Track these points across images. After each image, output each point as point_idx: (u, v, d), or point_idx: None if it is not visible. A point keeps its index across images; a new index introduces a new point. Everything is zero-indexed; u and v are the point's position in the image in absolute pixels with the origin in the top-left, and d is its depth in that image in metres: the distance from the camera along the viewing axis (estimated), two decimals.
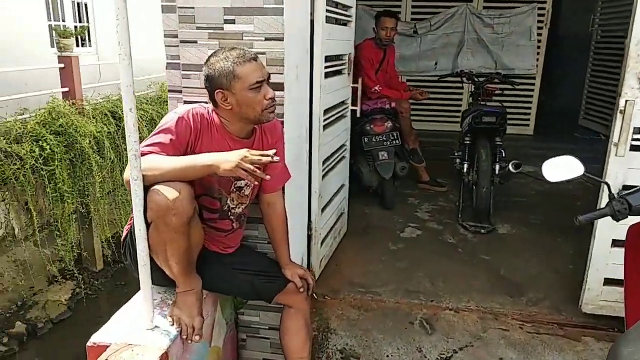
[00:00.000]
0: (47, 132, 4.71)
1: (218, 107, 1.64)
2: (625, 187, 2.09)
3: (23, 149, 4.32)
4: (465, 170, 3.59)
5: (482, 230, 3.36)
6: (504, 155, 3.50)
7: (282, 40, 1.84)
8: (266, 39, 1.85)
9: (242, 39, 1.86)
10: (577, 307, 2.38)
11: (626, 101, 2.05)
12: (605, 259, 2.23)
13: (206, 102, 1.84)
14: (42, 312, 4.77)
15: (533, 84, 5.84)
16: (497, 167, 3.41)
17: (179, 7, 1.86)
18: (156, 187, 1.44)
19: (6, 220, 4.37)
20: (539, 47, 5.73)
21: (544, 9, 5.63)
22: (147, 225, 1.47)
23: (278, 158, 1.52)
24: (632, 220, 1.62)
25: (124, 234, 1.71)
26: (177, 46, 1.91)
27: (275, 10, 1.81)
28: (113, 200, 5.68)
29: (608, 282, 2.25)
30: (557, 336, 2.29)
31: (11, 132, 4.46)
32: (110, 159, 5.36)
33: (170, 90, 1.98)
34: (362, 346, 2.23)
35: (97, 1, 7.71)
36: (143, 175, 1.43)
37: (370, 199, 3.86)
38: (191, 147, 1.60)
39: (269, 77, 1.65)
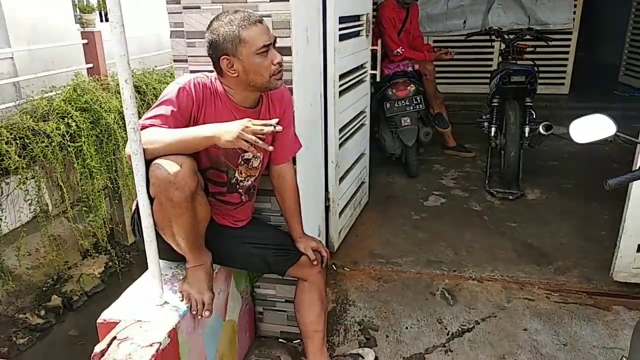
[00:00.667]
0: (72, 109, 4.76)
1: (223, 75, 1.56)
2: None
3: (49, 126, 4.39)
4: (493, 134, 3.42)
5: (510, 197, 3.22)
6: (534, 116, 3.32)
7: (288, 0, 1.74)
8: (271, 1, 1.75)
9: (247, 2, 1.77)
10: (609, 275, 2.27)
11: None
12: (639, 224, 2.09)
13: (210, 71, 1.78)
14: (77, 285, 4.94)
15: (569, 40, 5.49)
16: (527, 129, 3.24)
17: None
18: (157, 161, 1.40)
19: (38, 197, 4.49)
20: None
21: None
22: (151, 200, 1.44)
23: (281, 127, 1.44)
24: None
25: (133, 209, 1.69)
26: (181, 12, 1.83)
27: None
28: None
29: None
30: (585, 305, 2.19)
31: (37, 110, 4.53)
32: None
33: (175, 60, 1.92)
34: (381, 318, 2.19)
35: None
36: (144, 149, 1.39)
37: (393, 167, 3.76)
38: (194, 119, 1.54)
39: (275, 41, 1.56)
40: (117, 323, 1.46)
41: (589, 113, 1.55)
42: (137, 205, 1.61)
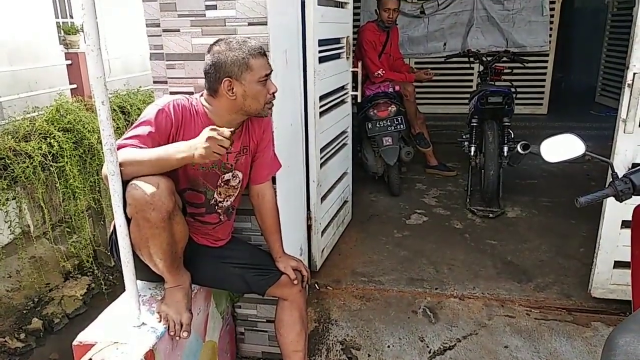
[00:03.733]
0: (55, 129, 4.74)
1: (217, 96, 1.58)
2: (635, 165, 1.99)
3: (31, 146, 4.35)
4: (472, 153, 3.48)
5: (491, 215, 3.27)
6: (512, 136, 3.39)
7: (266, 24, 1.78)
8: (249, 24, 1.79)
9: (225, 25, 1.81)
10: (587, 291, 2.29)
11: (634, 74, 1.94)
12: (614, 241, 2.13)
13: (189, 93, 1.80)
14: (58, 308, 4.84)
15: (546, 61, 5.64)
16: (506, 148, 3.30)
17: None
18: (134, 181, 1.40)
19: (20, 218, 4.43)
20: (552, 23, 5.51)
21: None
22: (128, 221, 1.44)
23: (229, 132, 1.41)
24: (638, 200, 1.53)
25: (110, 230, 1.69)
26: (160, 36, 1.86)
27: None
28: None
29: (618, 264, 2.16)
30: (565, 322, 2.21)
31: (19, 130, 4.50)
32: None
33: (155, 82, 1.94)
34: (363, 337, 2.19)
35: None
36: (121, 170, 1.39)
37: (376, 186, 3.79)
38: (173, 141, 1.55)
39: (271, 72, 1.61)
40: (93, 345, 1.44)
41: (566, 132, 1.60)
42: (114, 226, 1.61)
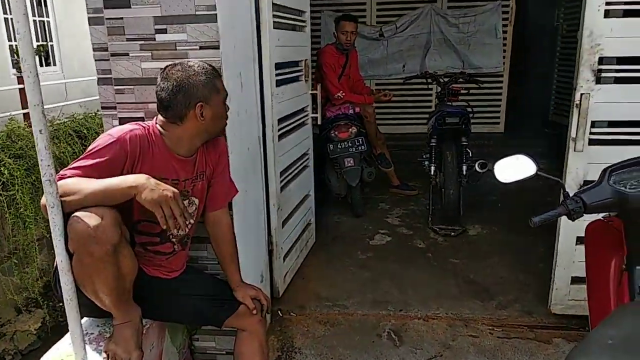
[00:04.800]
0: (5, 156, 4.54)
1: (184, 122, 1.53)
2: (586, 182, 2.04)
3: None
4: (432, 172, 3.52)
5: (452, 233, 3.29)
6: (470, 155, 3.45)
7: (218, 48, 1.75)
8: (201, 48, 1.75)
9: (176, 49, 1.76)
10: (547, 307, 2.32)
11: (582, 94, 2.00)
12: (570, 256, 2.17)
13: (141, 119, 1.75)
14: (10, 344, 4.57)
15: (501, 82, 5.83)
16: (464, 167, 3.35)
17: (106, 19, 1.76)
18: (76, 214, 1.32)
19: None
20: (505, 45, 5.73)
21: (508, 6, 5.63)
22: (70, 256, 1.35)
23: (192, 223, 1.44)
24: (592, 217, 1.56)
25: (54, 265, 1.59)
26: (108, 60, 1.80)
27: (209, 17, 1.72)
28: None
29: (575, 280, 2.20)
30: (527, 339, 2.22)
31: None
32: None
33: (103, 107, 1.87)
34: None
35: (60, 19, 7.55)
36: (62, 201, 1.31)
37: (340, 207, 3.78)
38: (128, 172, 1.48)
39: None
40: None
41: (524, 149, 1.62)
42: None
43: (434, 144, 3.53)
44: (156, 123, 1.57)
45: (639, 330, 1.07)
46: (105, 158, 1.43)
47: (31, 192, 4.72)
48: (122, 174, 1.45)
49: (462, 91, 4.00)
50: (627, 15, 1.96)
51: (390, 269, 2.88)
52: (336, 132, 3.52)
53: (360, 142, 3.52)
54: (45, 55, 7.23)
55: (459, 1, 5.73)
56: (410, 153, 4.83)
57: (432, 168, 3.51)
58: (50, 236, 1.33)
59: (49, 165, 1.28)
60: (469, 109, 3.60)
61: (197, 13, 1.72)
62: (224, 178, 1.75)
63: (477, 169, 2.98)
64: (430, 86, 4.76)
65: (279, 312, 2.48)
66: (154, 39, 1.76)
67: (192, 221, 1.42)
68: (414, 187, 4.16)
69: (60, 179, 1.35)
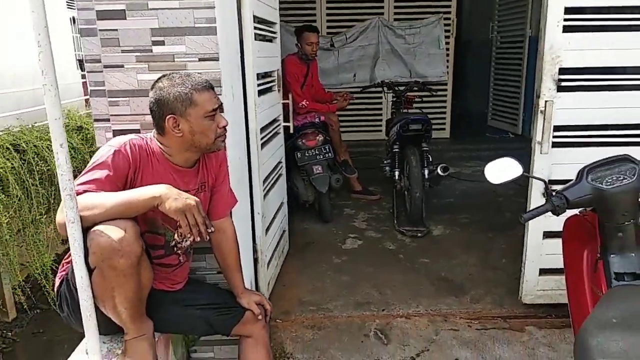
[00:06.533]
0: None
1: (165, 134, 1.53)
2: (551, 182, 2.24)
3: None
4: (397, 177, 3.68)
5: (419, 234, 3.46)
6: (431, 159, 3.64)
7: (218, 60, 1.77)
8: (200, 60, 1.77)
9: (174, 61, 1.77)
10: (518, 299, 2.51)
11: (546, 102, 2.20)
12: (538, 250, 2.37)
13: (137, 131, 1.74)
14: None
15: (446, 90, 6.18)
16: (427, 171, 3.53)
17: (100, 30, 1.73)
18: (97, 227, 1.31)
19: None
20: (448, 55, 6.07)
21: (449, 19, 5.98)
22: (90, 271, 1.33)
23: (213, 229, 1.48)
24: (567, 213, 1.73)
25: (57, 283, 1.54)
26: (101, 71, 1.77)
27: (208, 30, 1.74)
28: (23, 241, 5.15)
29: (543, 272, 2.40)
30: (503, 329, 2.40)
31: None
32: (16, 196, 4.86)
33: (96, 120, 1.83)
34: None
35: None
36: (81, 217, 1.29)
37: (307, 214, 3.84)
38: (131, 182, 1.47)
39: (221, 106, 1.59)
40: None
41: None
42: (64, 279, 1.48)
43: (397, 149, 3.70)
44: (153, 135, 1.58)
45: (636, 310, 1.23)
46: (112, 168, 1.43)
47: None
48: (126, 183, 1.46)
49: (417, 99, 4.22)
50: (582, 30, 2.20)
51: (366, 271, 2.98)
52: (304, 140, 3.60)
53: (327, 150, 3.62)
54: None
55: (404, 14, 6.01)
56: (366, 159, 5.02)
57: (397, 173, 3.67)
58: None
59: (69, 180, 1.26)
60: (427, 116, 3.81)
61: (197, 25, 1.74)
62: (225, 187, 1.78)
63: (440, 172, 3.20)
64: (385, 95, 4.97)
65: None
66: (151, 51, 1.75)
67: (213, 229, 1.43)
68: (374, 192, 4.31)
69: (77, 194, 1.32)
